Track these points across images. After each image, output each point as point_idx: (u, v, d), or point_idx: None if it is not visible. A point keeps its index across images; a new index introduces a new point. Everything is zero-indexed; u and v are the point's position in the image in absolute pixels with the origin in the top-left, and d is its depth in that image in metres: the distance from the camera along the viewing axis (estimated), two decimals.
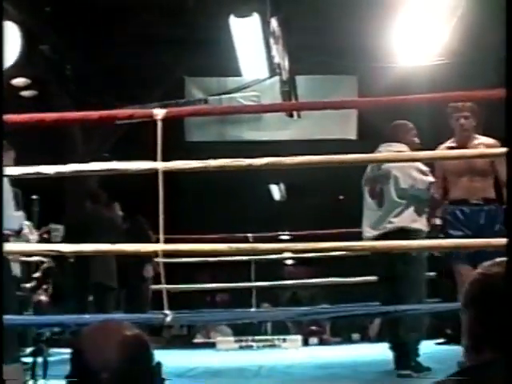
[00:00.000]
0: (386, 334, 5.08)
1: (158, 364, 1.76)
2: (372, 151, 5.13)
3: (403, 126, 5.37)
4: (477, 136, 5.26)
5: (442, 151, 5.14)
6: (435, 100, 4.15)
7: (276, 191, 15.20)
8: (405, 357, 4.91)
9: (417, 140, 5.38)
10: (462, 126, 5.20)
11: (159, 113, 3.74)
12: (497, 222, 5.06)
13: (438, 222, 5.36)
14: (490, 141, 5.21)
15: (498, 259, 1.71)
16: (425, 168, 5.30)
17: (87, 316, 4.82)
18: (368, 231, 5.21)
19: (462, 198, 5.17)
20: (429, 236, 5.25)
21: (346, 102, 4.23)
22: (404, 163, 5.15)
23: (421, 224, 5.19)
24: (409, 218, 5.12)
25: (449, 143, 5.29)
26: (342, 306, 5.56)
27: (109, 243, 4.09)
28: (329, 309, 3.83)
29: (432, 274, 7.59)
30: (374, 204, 5.24)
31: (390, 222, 5.11)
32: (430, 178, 5.21)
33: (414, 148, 5.25)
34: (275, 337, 9.33)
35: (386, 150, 5.22)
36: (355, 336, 11.62)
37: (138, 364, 1.71)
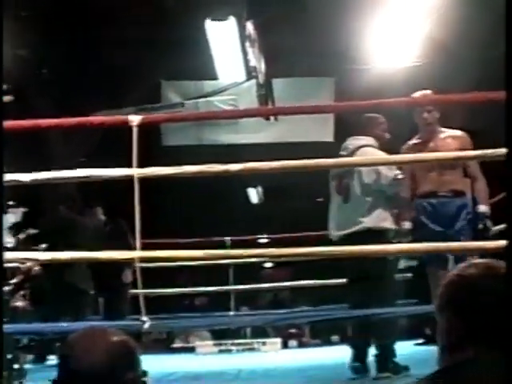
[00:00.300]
0: (362, 336, 5.06)
1: (144, 372, 1.76)
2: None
3: (373, 120, 5.28)
4: (442, 129, 5.24)
5: (421, 154, 5.05)
6: (411, 104, 4.15)
7: (254, 194, 15.18)
8: (382, 359, 4.92)
9: (386, 135, 5.31)
10: (426, 120, 5.16)
11: (134, 119, 3.71)
12: (465, 214, 5.14)
13: (407, 225, 5.32)
14: (458, 133, 5.22)
15: (473, 261, 1.73)
16: None
17: (65, 324, 4.79)
18: (335, 230, 5.18)
19: (431, 190, 5.17)
20: (397, 235, 5.25)
21: (322, 106, 4.23)
22: (370, 157, 5.06)
23: (389, 222, 5.13)
24: (377, 218, 5.06)
25: (415, 139, 5.27)
26: (321, 310, 5.57)
27: (83, 248, 4.06)
28: (307, 313, 3.82)
29: (408, 274, 7.64)
30: (340, 199, 5.19)
31: (359, 222, 5.04)
32: (397, 172, 5.10)
33: (382, 142, 5.22)
34: (254, 340, 9.35)
35: (352, 144, 5.19)
36: (334, 338, 11.63)
37: (124, 370, 1.70)
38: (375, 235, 4.90)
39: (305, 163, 3.77)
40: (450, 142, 5.18)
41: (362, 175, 5.07)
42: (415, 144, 5.25)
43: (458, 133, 5.23)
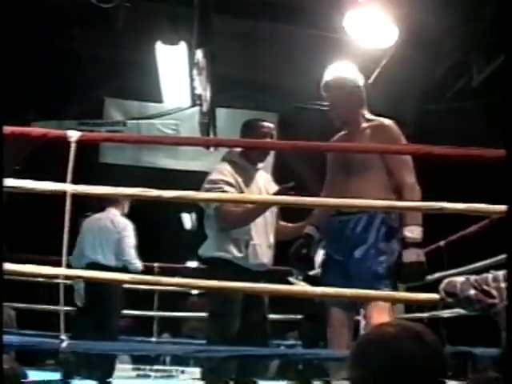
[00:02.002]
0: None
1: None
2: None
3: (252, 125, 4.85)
4: (367, 117, 4.31)
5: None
6: (350, 150, 4.18)
7: (187, 220, 15.13)
8: None
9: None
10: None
11: (73, 135, 3.65)
12: (374, 237, 4.01)
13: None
14: (385, 122, 4.25)
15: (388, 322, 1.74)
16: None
17: None
18: None
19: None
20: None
21: (263, 142, 4.21)
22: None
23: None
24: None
25: (343, 132, 4.42)
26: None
27: None
28: (229, 348, 3.79)
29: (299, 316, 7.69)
30: None
31: None
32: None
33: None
34: (173, 368, 9.25)
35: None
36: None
37: None
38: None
39: (236, 197, 3.76)
40: (369, 133, 4.22)
41: None
42: (341, 136, 4.40)
43: (386, 122, 4.24)
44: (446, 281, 3.53)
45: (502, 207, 3.90)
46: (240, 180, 4.61)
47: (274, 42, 8.55)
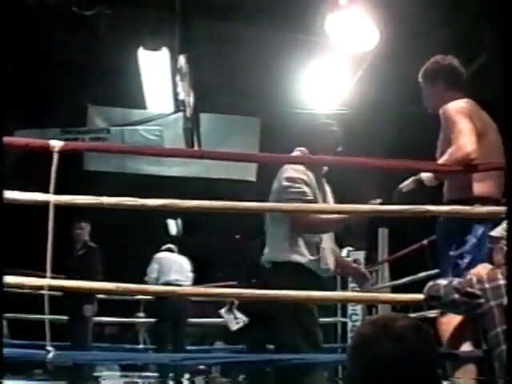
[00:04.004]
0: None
1: None
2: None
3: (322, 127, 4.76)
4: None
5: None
6: (330, 162, 4.20)
7: (173, 226, 15.07)
8: None
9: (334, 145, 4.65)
10: None
11: (56, 145, 3.64)
12: None
13: None
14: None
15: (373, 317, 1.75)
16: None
17: None
18: None
19: None
20: None
21: (247, 155, 4.23)
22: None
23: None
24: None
25: None
26: (230, 351, 5.55)
27: None
28: (216, 354, 3.79)
29: None
30: None
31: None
32: None
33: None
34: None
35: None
36: (243, 377, 11.52)
37: None
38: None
39: (222, 204, 3.75)
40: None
41: None
42: None
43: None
44: (429, 284, 3.55)
45: (483, 209, 3.94)
46: (312, 177, 4.47)
47: (257, 46, 8.55)
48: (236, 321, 7.75)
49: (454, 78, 4.53)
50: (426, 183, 4.18)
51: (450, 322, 3.86)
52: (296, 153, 4.62)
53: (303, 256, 4.35)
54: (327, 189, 4.66)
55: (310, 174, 4.46)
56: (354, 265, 5.08)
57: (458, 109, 4.21)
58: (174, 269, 8.75)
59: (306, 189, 4.37)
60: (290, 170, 4.43)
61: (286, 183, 4.39)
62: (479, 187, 4.14)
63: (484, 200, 4.04)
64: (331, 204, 4.53)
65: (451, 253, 4.02)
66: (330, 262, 4.49)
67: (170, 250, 9.33)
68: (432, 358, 1.62)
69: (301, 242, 4.37)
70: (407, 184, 4.21)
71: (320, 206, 4.28)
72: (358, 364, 1.62)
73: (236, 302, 6.97)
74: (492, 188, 4.16)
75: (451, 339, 3.76)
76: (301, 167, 4.44)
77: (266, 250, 4.49)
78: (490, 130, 4.22)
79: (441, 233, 4.22)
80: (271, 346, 4.95)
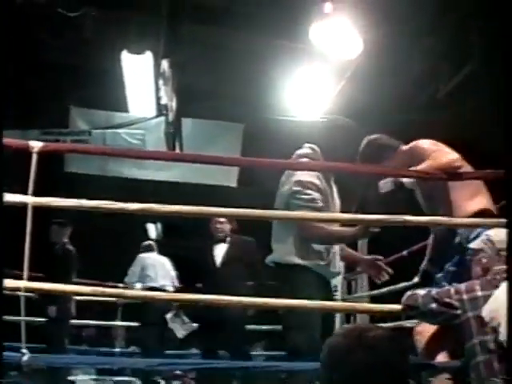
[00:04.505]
0: None
1: None
2: (251, 198, 4.89)
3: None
4: None
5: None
6: (313, 168, 4.20)
7: (153, 230, 15.02)
8: None
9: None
10: None
11: (35, 145, 3.62)
12: None
13: None
14: None
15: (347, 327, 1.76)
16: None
17: None
18: None
19: None
20: None
21: (228, 159, 4.23)
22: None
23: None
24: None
25: None
26: (206, 357, 5.54)
27: None
28: (193, 360, 3.77)
29: None
30: None
31: None
32: None
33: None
34: (136, 379, 9.19)
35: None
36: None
37: None
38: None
39: (200, 210, 3.73)
40: None
41: None
42: None
43: None
44: (407, 294, 3.56)
45: (464, 220, 3.96)
46: (324, 181, 4.40)
47: (243, 52, 8.54)
48: (184, 327, 7.69)
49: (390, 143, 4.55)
50: (407, 185, 4.15)
51: (425, 331, 3.86)
52: (304, 150, 4.57)
53: (311, 260, 4.29)
54: (335, 190, 4.58)
55: (321, 176, 4.37)
56: (368, 257, 4.92)
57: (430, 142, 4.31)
58: (160, 273, 8.77)
59: (316, 195, 4.30)
60: (301, 173, 4.35)
61: (296, 188, 4.31)
62: (474, 204, 4.12)
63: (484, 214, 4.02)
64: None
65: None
66: (338, 266, 4.49)
67: (150, 247, 9.33)
68: (404, 367, 1.62)
69: (310, 246, 4.30)
70: (386, 184, 4.18)
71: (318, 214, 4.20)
72: (333, 373, 1.62)
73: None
74: (487, 203, 4.17)
75: (428, 349, 3.77)
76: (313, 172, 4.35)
77: (273, 251, 4.43)
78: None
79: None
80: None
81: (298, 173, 4.35)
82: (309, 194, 4.26)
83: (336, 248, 4.44)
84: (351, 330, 1.71)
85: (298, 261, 4.28)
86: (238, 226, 7.45)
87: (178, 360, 3.84)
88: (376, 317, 7.16)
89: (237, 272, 7.03)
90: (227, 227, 7.30)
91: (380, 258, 4.65)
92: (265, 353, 10.54)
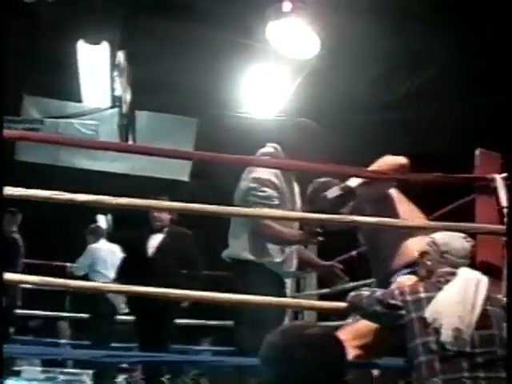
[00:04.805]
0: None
1: None
2: (203, 192, 4.91)
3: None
4: None
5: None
6: (270, 165, 4.22)
7: (103, 221, 14.92)
8: None
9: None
10: None
11: None
12: None
13: None
14: None
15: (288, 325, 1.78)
16: None
17: None
18: None
19: None
20: None
21: (182, 152, 4.24)
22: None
23: None
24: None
25: None
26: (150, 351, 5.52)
27: None
28: (137, 353, 3.77)
29: None
30: None
31: None
32: None
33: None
34: (83, 371, 9.12)
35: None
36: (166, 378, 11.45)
37: None
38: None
39: (149, 203, 3.73)
40: None
41: None
42: None
43: None
44: (352, 294, 3.60)
45: (412, 222, 4.01)
46: (283, 179, 4.41)
47: (199, 47, 8.52)
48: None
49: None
50: (356, 190, 4.10)
51: (354, 330, 3.89)
52: (267, 149, 4.59)
53: (265, 257, 4.33)
54: (296, 190, 4.60)
55: (280, 175, 4.39)
56: (326, 263, 4.91)
57: None
58: (110, 267, 8.67)
59: (272, 192, 4.32)
60: (260, 170, 4.36)
61: (253, 184, 4.34)
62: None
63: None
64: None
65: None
66: (293, 265, 4.49)
67: (98, 230, 9.24)
68: (343, 365, 1.65)
69: (264, 243, 4.33)
70: (333, 190, 4.17)
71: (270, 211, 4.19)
72: (273, 370, 1.64)
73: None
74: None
75: (371, 348, 3.81)
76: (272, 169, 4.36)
77: (229, 246, 4.46)
78: None
79: None
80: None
81: (257, 169, 4.36)
82: (264, 192, 4.29)
83: (293, 247, 4.47)
84: (291, 327, 1.73)
85: (251, 257, 4.32)
86: (179, 217, 7.40)
87: (123, 352, 3.83)
88: (323, 314, 7.23)
89: (166, 263, 7.03)
90: (166, 217, 7.26)
91: (338, 265, 4.69)
92: (212, 348, 10.55)
